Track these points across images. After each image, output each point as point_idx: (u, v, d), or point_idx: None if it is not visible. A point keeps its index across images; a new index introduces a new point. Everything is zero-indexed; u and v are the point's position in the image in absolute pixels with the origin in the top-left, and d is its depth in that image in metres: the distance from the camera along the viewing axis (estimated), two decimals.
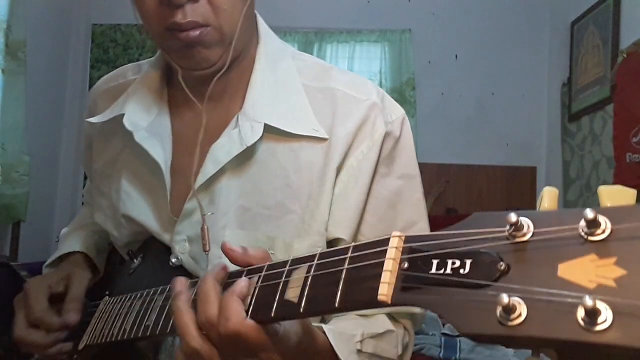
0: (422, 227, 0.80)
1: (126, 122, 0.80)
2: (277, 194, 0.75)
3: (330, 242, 0.77)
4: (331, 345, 0.64)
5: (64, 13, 3.83)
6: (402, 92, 3.71)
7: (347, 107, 0.78)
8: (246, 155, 0.75)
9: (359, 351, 0.68)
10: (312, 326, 0.60)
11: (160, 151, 0.79)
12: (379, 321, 0.75)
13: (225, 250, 0.57)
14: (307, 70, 0.82)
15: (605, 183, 2.85)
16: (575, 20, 3.31)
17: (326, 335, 0.64)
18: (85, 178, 4.23)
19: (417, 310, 0.77)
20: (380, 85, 3.75)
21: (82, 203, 3.93)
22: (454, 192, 3.63)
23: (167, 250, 0.78)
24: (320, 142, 0.76)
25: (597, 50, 3.03)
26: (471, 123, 3.75)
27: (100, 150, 0.89)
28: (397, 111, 0.81)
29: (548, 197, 0.37)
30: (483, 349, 2.10)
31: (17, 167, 3.03)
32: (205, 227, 0.74)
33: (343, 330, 0.67)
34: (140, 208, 0.81)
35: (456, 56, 3.82)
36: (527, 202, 3.69)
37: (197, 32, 0.70)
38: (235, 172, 0.76)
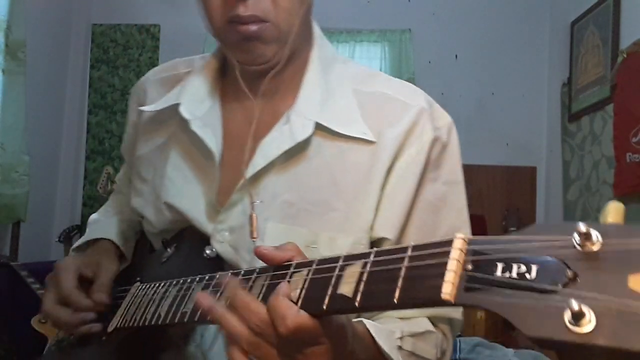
0: (464, 234, 0.81)
1: (183, 111, 0.83)
2: (322, 191, 0.78)
3: (375, 242, 0.78)
4: (373, 339, 0.65)
5: (64, 13, 3.83)
6: None
7: (396, 112, 0.80)
8: (295, 151, 0.78)
9: (399, 348, 0.69)
10: (351, 320, 0.61)
11: (213, 140, 0.81)
12: (420, 322, 0.76)
13: (260, 254, 0.59)
14: (357, 75, 0.85)
15: (605, 183, 2.86)
16: (575, 20, 3.31)
17: (367, 330, 0.65)
18: (85, 178, 4.23)
19: (457, 316, 0.79)
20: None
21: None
22: None
23: (202, 241, 0.80)
24: (367, 145, 0.78)
25: (597, 50, 3.03)
26: (471, 123, 3.74)
27: (147, 137, 0.92)
28: (445, 118, 0.83)
29: (614, 212, 0.37)
30: (483, 349, 2.10)
31: (17, 167, 3.03)
32: (254, 215, 0.76)
33: (383, 327, 0.68)
34: (184, 196, 0.83)
35: (456, 56, 3.82)
36: (527, 202, 3.69)
37: (256, 27, 0.74)
38: (282, 167, 0.78)
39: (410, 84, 0.86)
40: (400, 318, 0.75)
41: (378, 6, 3.85)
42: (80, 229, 3.80)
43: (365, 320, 0.67)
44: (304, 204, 0.77)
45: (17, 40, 3.03)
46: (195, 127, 0.81)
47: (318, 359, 0.54)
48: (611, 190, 2.77)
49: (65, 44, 3.89)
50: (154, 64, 3.90)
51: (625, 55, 2.65)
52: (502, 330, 2.28)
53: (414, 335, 0.72)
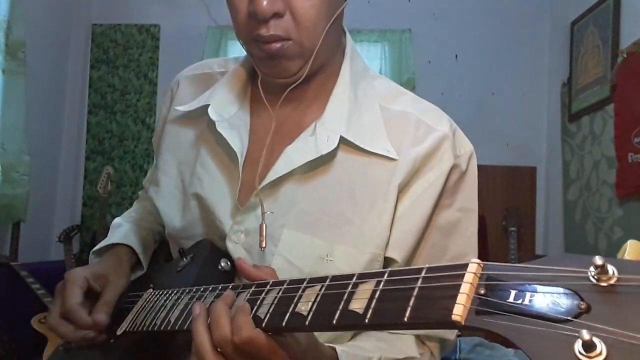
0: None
1: (211, 112, 0.85)
2: (340, 204, 0.79)
3: (384, 260, 0.79)
4: None
5: (64, 13, 3.83)
6: None
7: (419, 133, 0.81)
8: (318, 163, 0.79)
9: None
10: (318, 341, 0.63)
11: (238, 142, 0.83)
12: (404, 345, 0.77)
13: (239, 266, 0.64)
14: (385, 92, 0.86)
15: (605, 183, 2.86)
16: (575, 20, 3.31)
17: (336, 354, 0.66)
18: (85, 178, 4.23)
19: (450, 337, 0.80)
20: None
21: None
22: None
23: (218, 253, 0.82)
24: (389, 162, 0.79)
25: (597, 50, 3.03)
26: (471, 123, 3.72)
27: (176, 133, 0.94)
28: (466, 146, 0.84)
29: (634, 250, 0.37)
30: (483, 349, 2.10)
31: (17, 167, 3.03)
32: (264, 225, 0.78)
33: (359, 352, 0.69)
34: (211, 191, 0.85)
35: (456, 56, 3.82)
36: (527, 202, 3.69)
37: (278, 45, 0.75)
38: (303, 176, 0.80)
39: (437, 108, 0.87)
40: (385, 335, 0.76)
41: (378, 6, 3.85)
42: (80, 229, 3.80)
43: (337, 347, 0.67)
44: (321, 214, 0.78)
45: (17, 40, 3.03)
46: (221, 128, 0.83)
47: None
48: (611, 190, 2.77)
49: (65, 44, 3.89)
50: (154, 64, 3.90)
51: (625, 55, 2.65)
52: None
53: None
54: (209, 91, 0.90)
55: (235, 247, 0.80)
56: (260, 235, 0.77)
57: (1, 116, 2.97)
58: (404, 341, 0.77)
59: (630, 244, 0.37)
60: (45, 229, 3.67)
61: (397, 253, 0.78)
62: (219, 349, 0.57)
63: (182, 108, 0.90)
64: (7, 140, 2.98)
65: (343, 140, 0.79)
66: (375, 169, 0.79)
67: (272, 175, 0.79)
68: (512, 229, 3.49)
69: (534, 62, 3.77)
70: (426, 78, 3.76)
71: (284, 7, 0.74)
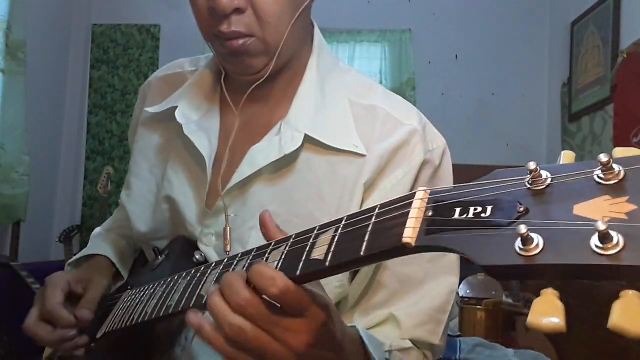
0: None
1: (178, 115, 0.83)
2: (308, 204, 0.77)
3: None
4: (363, 345, 0.65)
5: (64, 13, 3.83)
6: (402, 92, 3.71)
7: (387, 127, 0.78)
8: (284, 163, 0.77)
9: None
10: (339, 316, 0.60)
11: (206, 145, 0.81)
12: (405, 341, 0.76)
13: (263, 220, 0.59)
14: (355, 86, 0.83)
15: None
16: (575, 20, 3.31)
17: (359, 336, 0.65)
18: (85, 178, 4.23)
19: (436, 341, 0.78)
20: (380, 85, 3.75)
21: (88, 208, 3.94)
22: None
23: (192, 247, 0.81)
24: (357, 158, 0.77)
25: (597, 50, 3.03)
26: (471, 123, 3.75)
27: (147, 135, 0.92)
28: (438, 140, 0.82)
29: (566, 157, 0.40)
30: (483, 349, 2.10)
31: (17, 167, 3.03)
32: (229, 228, 0.76)
33: (373, 336, 0.68)
34: (181, 193, 0.84)
35: (456, 56, 3.82)
36: None
37: (240, 42, 0.73)
38: (271, 177, 0.78)
39: (407, 102, 0.84)
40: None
41: (378, 6, 3.85)
42: (80, 229, 3.80)
43: (358, 326, 0.66)
44: (289, 215, 0.76)
45: (17, 40, 3.03)
46: (188, 131, 0.81)
47: (297, 336, 0.52)
48: None
49: (65, 44, 3.89)
50: (154, 64, 3.90)
51: (625, 55, 2.65)
52: (502, 330, 2.28)
53: (401, 350, 0.72)
54: (177, 92, 0.88)
55: (207, 250, 0.79)
56: (225, 239, 0.76)
57: (1, 116, 2.97)
58: (405, 341, 0.76)
59: (563, 153, 0.40)
60: (45, 229, 3.67)
61: None
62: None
63: (151, 109, 0.88)
64: (7, 140, 2.98)
65: (308, 139, 0.76)
66: (343, 166, 0.77)
67: (236, 178, 0.77)
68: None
69: (534, 62, 3.77)
70: (426, 78, 3.76)
71: (246, 2, 0.71)
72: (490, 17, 3.79)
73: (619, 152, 0.37)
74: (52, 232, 3.69)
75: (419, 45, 3.79)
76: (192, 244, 0.81)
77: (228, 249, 0.76)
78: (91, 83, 3.98)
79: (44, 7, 3.57)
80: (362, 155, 0.76)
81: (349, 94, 0.81)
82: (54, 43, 3.74)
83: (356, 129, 0.78)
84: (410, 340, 0.76)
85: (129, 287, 0.87)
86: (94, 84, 3.98)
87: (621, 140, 2.62)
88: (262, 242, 0.73)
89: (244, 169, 0.77)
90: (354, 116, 0.79)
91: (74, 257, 0.96)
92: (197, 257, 0.79)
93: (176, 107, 0.84)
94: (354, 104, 0.80)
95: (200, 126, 0.83)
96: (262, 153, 0.77)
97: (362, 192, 0.76)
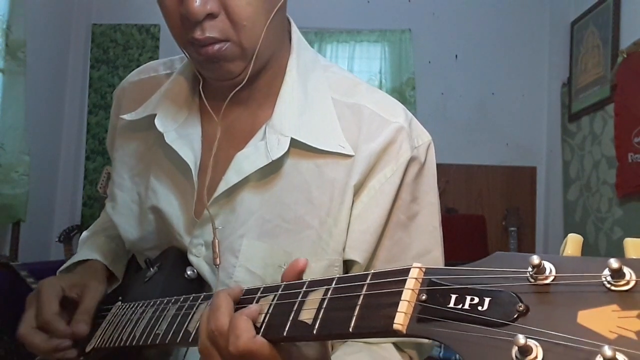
0: (436, 256, 0.80)
1: (158, 123, 0.80)
2: (297, 208, 0.75)
3: (344, 263, 0.77)
4: None
5: (64, 13, 3.83)
6: (402, 92, 3.71)
7: (374, 127, 0.77)
8: (271, 168, 0.75)
9: None
10: (330, 356, 0.60)
11: (189, 153, 0.79)
12: (386, 351, 0.74)
13: (295, 265, 0.58)
14: (338, 84, 0.81)
15: (605, 183, 2.86)
16: (575, 20, 3.31)
17: None
18: (86, 178, 4.22)
19: (425, 341, 0.77)
20: (380, 85, 3.75)
21: (79, 206, 3.94)
22: (454, 192, 3.62)
23: (184, 262, 0.79)
24: (345, 159, 0.75)
25: (597, 50, 3.03)
26: (471, 123, 3.74)
27: (126, 144, 0.90)
28: (424, 136, 0.81)
29: (572, 244, 0.37)
30: None
31: (17, 167, 3.03)
32: (217, 241, 0.75)
33: None
34: (167, 203, 0.81)
35: (456, 56, 3.82)
36: (527, 202, 3.69)
37: (215, 48, 0.71)
38: (258, 183, 0.76)
39: (392, 98, 0.83)
40: (367, 343, 0.74)
41: (378, 6, 3.84)
42: (80, 229, 3.80)
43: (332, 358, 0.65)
44: (279, 221, 0.75)
45: (17, 40, 3.03)
46: (170, 139, 0.79)
47: None
48: (611, 190, 2.77)
49: (65, 44, 3.89)
50: None
51: (625, 55, 2.65)
52: None
53: None
54: (154, 97, 0.85)
55: (198, 261, 0.78)
56: (214, 252, 0.75)
57: (1, 116, 2.96)
58: (386, 350, 0.75)
59: (569, 239, 0.37)
60: (45, 229, 3.67)
61: (358, 254, 0.75)
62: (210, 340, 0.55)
63: (128, 117, 0.86)
64: (7, 140, 2.98)
65: (294, 143, 0.75)
66: (331, 168, 0.76)
67: (223, 186, 0.75)
68: (512, 229, 3.49)
69: (534, 62, 3.77)
70: (426, 78, 3.76)
71: (218, 7, 0.69)
72: (490, 17, 3.79)
73: (630, 243, 0.34)
74: (52, 232, 3.68)
75: (419, 45, 3.79)
76: (183, 257, 0.80)
77: (218, 262, 0.74)
78: (91, 83, 3.98)
79: (44, 7, 3.56)
80: (350, 157, 0.75)
81: (332, 93, 0.80)
82: (53, 43, 3.74)
83: (342, 129, 0.77)
84: (397, 342, 0.75)
85: (120, 299, 0.86)
86: (94, 84, 3.98)
87: (623, 140, 2.62)
88: (253, 249, 0.74)
89: (231, 177, 0.75)
90: (339, 115, 0.78)
91: (64, 265, 0.94)
92: (188, 273, 0.78)
93: (154, 115, 0.81)
94: (337, 103, 0.79)
95: (181, 134, 0.81)
96: (248, 160, 0.75)
97: (353, 194, 0.75)
